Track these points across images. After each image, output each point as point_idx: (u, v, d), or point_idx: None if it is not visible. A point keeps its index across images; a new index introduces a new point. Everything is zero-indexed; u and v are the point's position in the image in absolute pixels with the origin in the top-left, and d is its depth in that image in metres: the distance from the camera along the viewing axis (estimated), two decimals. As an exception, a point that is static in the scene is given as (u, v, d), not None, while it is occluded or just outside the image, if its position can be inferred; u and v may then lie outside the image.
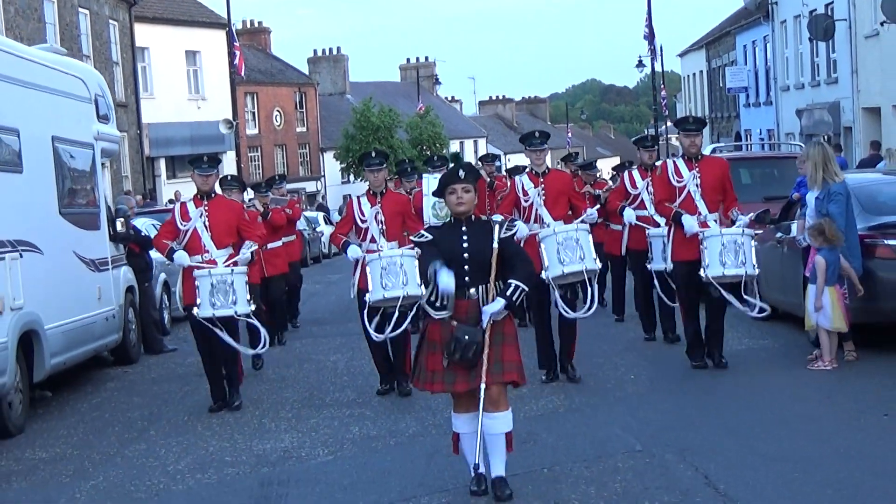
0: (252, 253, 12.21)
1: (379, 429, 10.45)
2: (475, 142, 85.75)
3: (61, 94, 13.74)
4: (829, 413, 9.85)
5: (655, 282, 13.82)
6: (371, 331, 11.56)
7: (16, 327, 11.44)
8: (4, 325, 11.23)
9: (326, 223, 43.43)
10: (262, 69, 65.74)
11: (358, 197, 12.43)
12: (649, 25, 45.81)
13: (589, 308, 11.76)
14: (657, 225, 13.64)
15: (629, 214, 14.58)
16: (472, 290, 7.68)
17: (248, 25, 69.78)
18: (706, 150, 21.73)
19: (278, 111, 67.00)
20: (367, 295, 11.50)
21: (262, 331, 12.35)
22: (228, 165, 50.54)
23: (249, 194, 18.84)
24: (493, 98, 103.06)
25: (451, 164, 7.70)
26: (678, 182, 12.16)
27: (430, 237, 7.81)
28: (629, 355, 13.61)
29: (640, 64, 64.48)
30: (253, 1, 40.66)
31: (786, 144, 33.97)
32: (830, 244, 11.69)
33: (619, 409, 10.55)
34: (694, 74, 61.96)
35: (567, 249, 11.60)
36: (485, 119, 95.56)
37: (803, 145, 20.93)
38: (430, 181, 13.85)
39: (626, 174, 15.41)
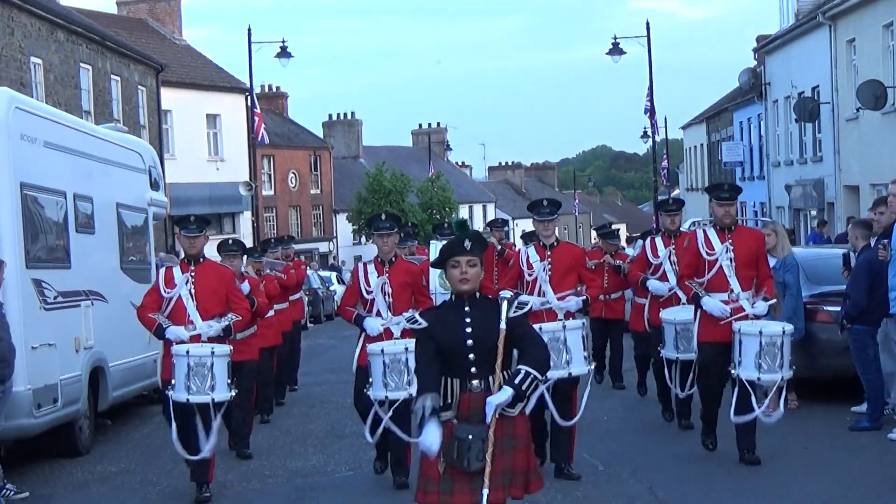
0: (229, 325, 10.91)
1: (391, 453, 12.56)
2: (484, 207, 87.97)
3: (123, 166, 16.02)
4: (761, 445, 11.83)
5: (665, 370, 12.94)
6: (376, 406, 10.54)
7: (87, 364, 13.64)
8: (79, 362, 13.42)
9: (339, 283, 45.50)
10: (279, 132, 68.09)
11: (364, 264, 11.19)
12: (650, 100, 47.66)
13: (576, 414, 10.98)
14: (679, 300, 12.79)
15: (655, 286, 13.45)
16: (475, 382, 6.53)
17: (267, 90, 72.18)
18: (685, 225, 23.78)
19: (293, 173, 69.39)
20: (368, 388, 10.58)
21: (211, 436, 10.55)
22: (245, 225, 52.86)
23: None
24: (503, 164, 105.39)
25: (457, 232, 6.81)
26: (709, 255, 11.10)
27: (425, 324, 6.64)
28: (607, 402, 15.70)
29: (645, 135, 66.90)
30: (265, 61, 43.26)
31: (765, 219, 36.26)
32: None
33: (591, 440, 12.59)
34: (695, 147, 64.27)
35: (552, 352, 10.01)
36: (494, 184, 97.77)
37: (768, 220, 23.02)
38: (439, 248, 14.58)
39: (647, 242, 14.19)
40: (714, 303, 10.94)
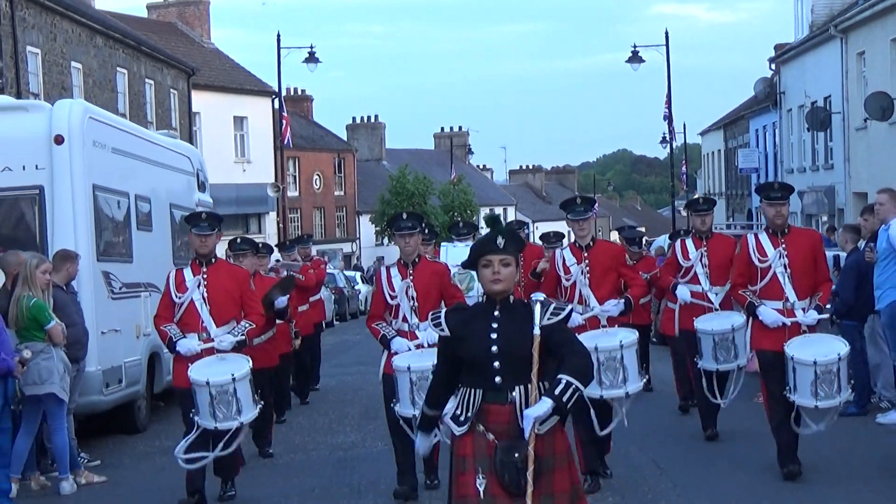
0: (244, 339, 10.38)
1: (422, 431, 13.90)
2: (504, 210, 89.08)
3: (175, 169, 17.46)
4: (755, 427, 12.78)
5: (703, 381, 12.23)
6: (399, 412, 10.13)
7: (146, 349, 15.04)
8: (139, 347, 14.82)
9: (364, 282, 46.89)
10: (304, 135, 69.35)
11: (388, 268, 10.56)
12: (668, 107, 48.63)
13: (617, 419, 10.60)
14: (711, 303, 12.63)
15: (683, 292, 12.95)
16: (514, 393, 6.01)
17: (292, 93, 73.43)
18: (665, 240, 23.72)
19: (318, 175, 70.71)
20: (395, 404, 10.14)
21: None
22: (270, 225, 54.21)
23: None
24: (523, 167, 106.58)
25: (489, 229, 6.19)
26: (762, 262, 10.42)
27: (447, 332, 6.15)
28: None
29: (664, 140, 68.10)
30: (289, 63, 44.35)
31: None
32: None
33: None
34: (713, 153, 65.43)
35: (608, 371, 10.17)
36: (514, 188, 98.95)
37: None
38: (451, 251, 13.95)
39: (678, 244, 13.53)
40: (769, 312, 10.32)
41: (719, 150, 62.66)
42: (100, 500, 11.28)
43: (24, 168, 13.28)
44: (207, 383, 9.86)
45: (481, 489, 5.91)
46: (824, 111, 36.76)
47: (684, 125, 65.16)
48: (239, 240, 13.43)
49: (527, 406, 5.93)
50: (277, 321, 13.15)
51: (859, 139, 34.67)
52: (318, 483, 11.50)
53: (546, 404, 5.86)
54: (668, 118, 47.99)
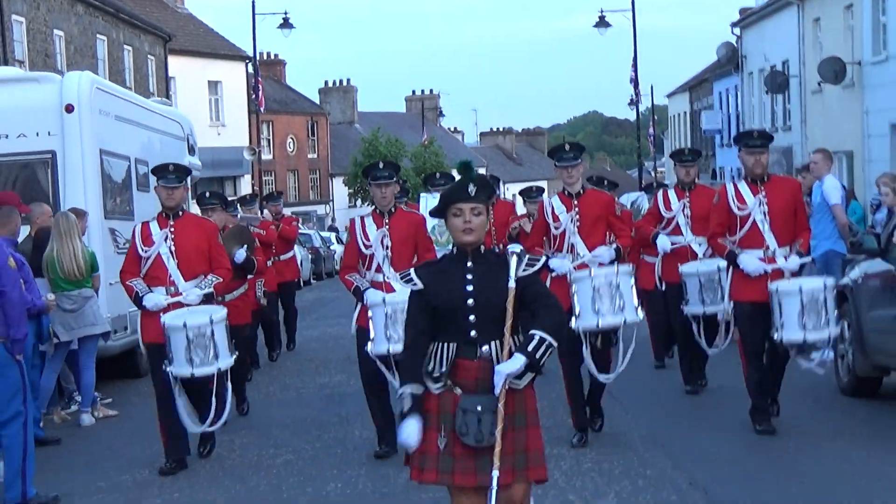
0: (211, 293, 10.19)
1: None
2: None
3: (168, 135, 18.74)
4: (735, 385, 12.86)
5: (694, 327, 12.25)
6: (379, 359, 9.95)
7: (147, 300, 16.30)
8: (142, 298, 16.08)
9: (339, 242, 48.16)
10: (278, 99, 70.37)
11: (362, 218, 10.38)
12: (635, 71, 49.81)
13: (622, 364, 10.53)
14: (694, 255, 12.48)
15: (663, 242, 12.78)
16: (485, 348, 5.82)
17: (265, 57, 74.30)
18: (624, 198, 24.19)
19: (291, 138, 71.87)
20: (369, 344, 9.91)
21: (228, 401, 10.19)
22: (245, 188, 55.25)
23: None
24: (494, 129, 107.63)
25: (460, 176, 6.00)
26: (741, 210, 10.37)
27: (420, 285, 5.91)
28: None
29: (632, 102, 69.33)
30: (262, 26, 44.79)
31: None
32: None
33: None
34: (679, 114, 66.75)
35: (604, 297, 9.95)
36: (485, 149, 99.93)
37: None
38: (430, 201, 14.41)
39: (660, 194, 13.31)
40: (751, 260, 10.27)
41: (685, 112, 63.89)
42: (116, 429, 12.62)
43: (37, 134, 14.56)
44: (184, 325, 9.70)
45: (441, 446, 5.78)
46: (782, 75, 38.22)
47: (651, 87, 66.74)
48: (208, 194, 13.36)
49: (500, 362, 5.76)
50: (249, 276, 13.01)
51: (815, 102, 36.16)
52: (309, 414, 12.91)
53: (519, 361, 5.70)
54: (635, 82, 49.22)
